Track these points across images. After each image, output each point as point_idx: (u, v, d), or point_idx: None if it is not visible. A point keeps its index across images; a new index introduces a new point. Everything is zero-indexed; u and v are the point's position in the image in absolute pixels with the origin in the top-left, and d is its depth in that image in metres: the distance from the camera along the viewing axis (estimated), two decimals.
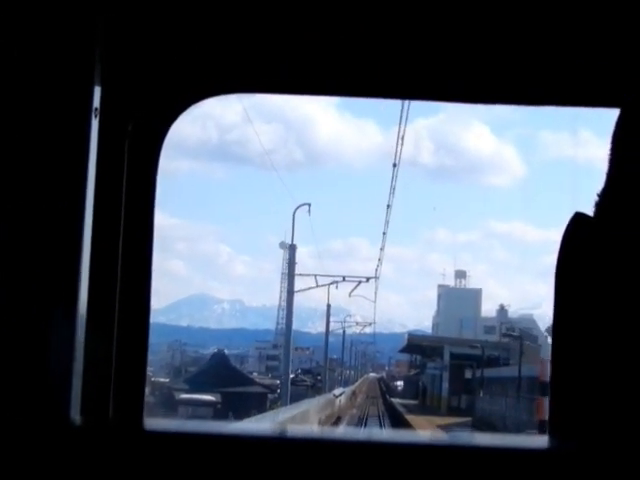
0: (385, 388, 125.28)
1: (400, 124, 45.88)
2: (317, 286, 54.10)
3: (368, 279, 61.30)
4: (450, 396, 73.98)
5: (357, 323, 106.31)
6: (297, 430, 3.09)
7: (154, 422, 2.47)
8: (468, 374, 73.22)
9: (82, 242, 2.10)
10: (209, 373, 75.61)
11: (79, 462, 1.84)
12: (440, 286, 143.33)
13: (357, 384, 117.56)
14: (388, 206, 58.52)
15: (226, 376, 73.13)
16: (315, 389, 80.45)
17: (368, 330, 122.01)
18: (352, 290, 61.66)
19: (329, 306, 70.38)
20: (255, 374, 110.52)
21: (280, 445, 1.89)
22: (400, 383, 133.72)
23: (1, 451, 1.83)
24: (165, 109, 2.58)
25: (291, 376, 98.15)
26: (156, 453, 1.87)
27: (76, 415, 2.10)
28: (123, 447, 1.89)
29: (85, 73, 2.11)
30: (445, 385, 74.86)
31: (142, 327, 2.56)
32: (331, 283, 59.38)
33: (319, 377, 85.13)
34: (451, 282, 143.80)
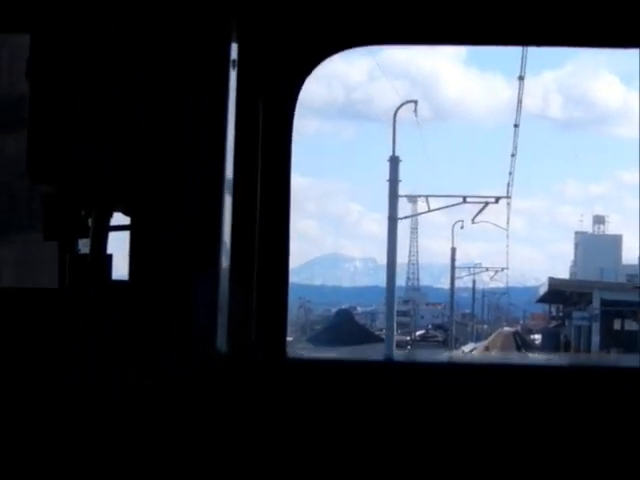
0: (521, 342, 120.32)
1: (520, 89, 41.51)
2: (429, 210, 45.51)
3: (497, 199, 47.44)
4: (599, 351, 67.09)
5: (487, 269, 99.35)
6: (428, 358, 3.17)
7: (296, 352, 2.74)
8: (617, 325, 66.42)
9: (222, 194, 2.34)
10: (333, 330, 72.77)
11: (227, 387, 2.22)
12: (577, 233, 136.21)
13: (490, 338, 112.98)
14: (512, 155, 53.53)
15: (350, 333, 70.14)
16: (446, 345, 76.53)
17: (501, 285, 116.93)
18: (476, 215, 49.75)
19: (454, 249, 64.78)
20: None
21: (417, 371, 2.27)
22: (537, 337, 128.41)
23: (158, 379, 2.23)
24: (300, 62, 2.65)
25: (422, 332, 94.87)
26: (297, 379, 2.22)
27: (222, 345, 2.38)
28: (267, 373, 2.24)
29: (223, 29, 2.39)
30: (595, 338, 67.27)
31: (281, 266, 2.66)
32: (450, 206, 48.32)
33: None
34: (588, 230, 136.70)
